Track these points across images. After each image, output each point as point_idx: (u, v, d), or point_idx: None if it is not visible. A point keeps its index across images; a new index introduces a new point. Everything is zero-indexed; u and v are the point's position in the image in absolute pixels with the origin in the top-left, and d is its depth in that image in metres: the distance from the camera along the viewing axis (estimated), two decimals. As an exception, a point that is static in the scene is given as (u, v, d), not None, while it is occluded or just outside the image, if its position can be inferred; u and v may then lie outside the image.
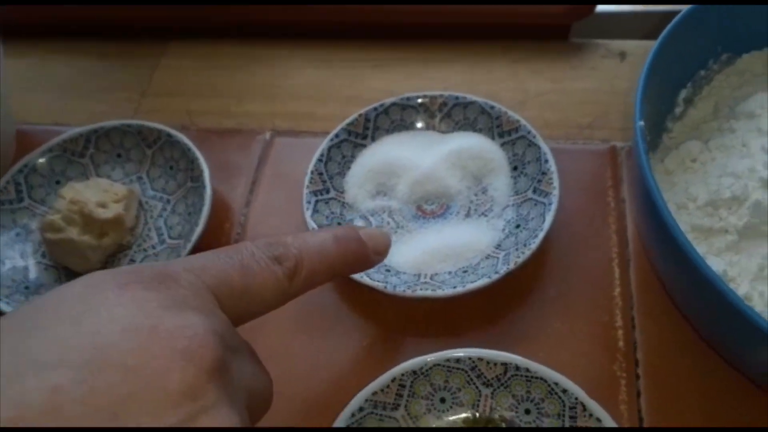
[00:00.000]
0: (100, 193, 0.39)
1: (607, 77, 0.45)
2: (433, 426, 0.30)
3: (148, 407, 0.16)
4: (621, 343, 0.33)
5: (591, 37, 0.48)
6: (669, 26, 0.31)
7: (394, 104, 0.41)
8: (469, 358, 0.31)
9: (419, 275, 0.35)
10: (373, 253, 0.28)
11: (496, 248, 0.36)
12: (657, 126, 0.35)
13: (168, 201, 0.41)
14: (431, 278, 0.35)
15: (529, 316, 0.35)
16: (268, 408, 0.23)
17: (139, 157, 0.43)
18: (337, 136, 0.40)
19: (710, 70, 0.36)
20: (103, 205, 0.38)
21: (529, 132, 0.38)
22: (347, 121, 0.40)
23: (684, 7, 0.33)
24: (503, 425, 0.30)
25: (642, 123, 0.28)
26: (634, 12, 0.47)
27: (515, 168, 0.39)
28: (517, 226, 0.36)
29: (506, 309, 0.35)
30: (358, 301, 0.36)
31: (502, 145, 0.39)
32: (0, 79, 0.41)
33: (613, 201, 0.38)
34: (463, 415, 0.31)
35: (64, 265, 0.38)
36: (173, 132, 0.41)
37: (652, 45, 0.45)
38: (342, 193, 0.39)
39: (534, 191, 0.37)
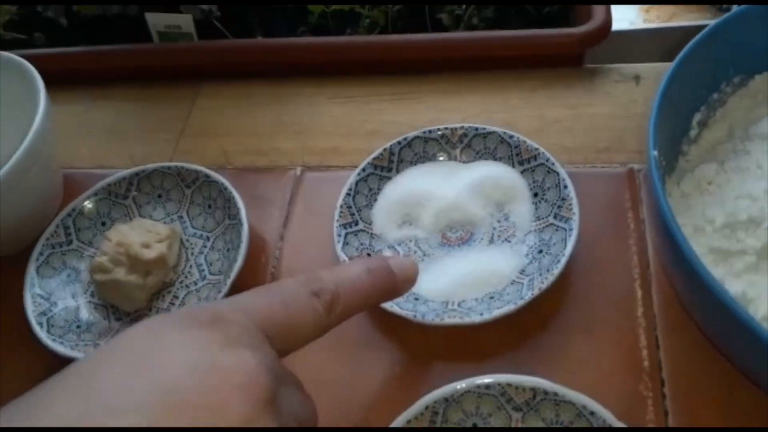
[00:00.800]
0: (144, 234, 0.41)
1: (622, 102, 0.46)
2: (466, 449, 0.32)
3: None
4: (646, 363, 0.34)
5: (605, 62, 0.49)
6: (681, 53, 0.33)
7: (416, 137, 0.43)
8: (499, 384, 0.32)
9: (447, 302, 0.37)
10: (402, 282, 0.30)
11: (521, 273, 0.37)
12: (673, 149, 0.36)
13: (208, 238, 0.44)
14: (458, 305, 0.36)
15: (554, 339, 0.36)
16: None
17: (178, 197, 0.45)
18: (363, 170, 0.42)
19: (723, 93, 0.37)
20: (147, 246, 0.41)
21: (548, 159, 0.40)
22: (373, 155, 0.42)
23: (696, 23, 0.34)
24: (534, 447, 0.31)
25: (656, 153, 0.29)
26: (647, 32, 0.48)
27: (536, 194, 0.40)
28: (540, 252, 0.37)
29: (531, 333, 0.36)
30: (389, 329, 0.38)
31: (522, 172, 0.41)
32: (48, 126, 0.44)
33: (633, 222, 0.40)
34: (495, 438, 0.32)
35: (111, 304, 0.41)
36: (210, 172, 0.44)
37: (665, 67, 0.47)
38: (370, 224, 0.41)
39: (555, 217, 0.38)
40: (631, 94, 0.46)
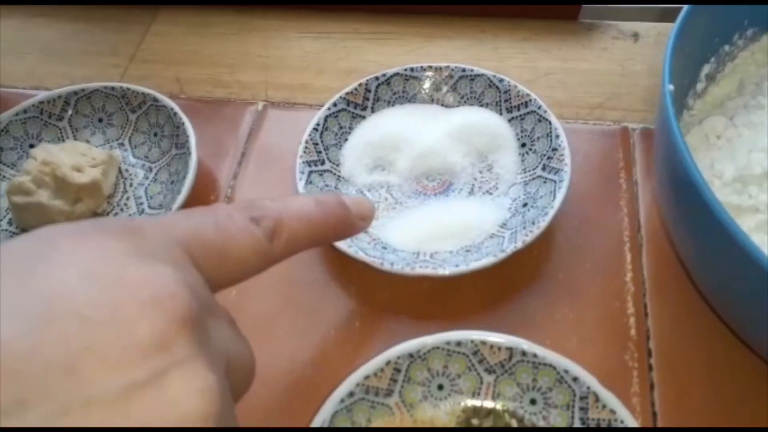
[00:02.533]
0: (76, 157, 0.36)
1: (619, 58, 0.43)
2: (429, 414, 0.28)
3: (110, 360, 0.14)
4: (633, 332, 0.31)
5: (601, 19, 0.45)
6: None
7: (396, 74, 0.38)
8: (471, 342, 0.28)
9: (418, 253, 0.33)
10: (357, 219, 0.25)
11: (502, 227, 0.33)
12: (677, 102, 0.32)
13: (150, 169, 0.38)
14: (431, 256, 0.32)
15: (536, 300, 0.32)
16: (249, 384, 0.20)
17: (121, 122, 0.40)
18: (334, 105, 0.37)
19: (735, 46, 0.34)
20: (78, 169, 0.35)
21: (540, 107, 0.36)
22: (346, 90, 0.38)
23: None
24: (506, 416, 0.28)
25: (672, 86, 0.25)
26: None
27: (523, 145, 0.36)
28: (525, 205, 0.34)
29: (511, 292, 0.32)
30: (350, 278, 0.33)
31: (510, 120, 0.37)
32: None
33: (626, 183, 0.36)
34: (462, 403, 0.28)
35: (33, 233, 0.36)
36: (159, 96, 0.38)
37: (667, 27, 0.44)
38: (338, 165, 0.37)
39: (543, 168, 0.34)
40: (629, 52, 0.43)
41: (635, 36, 0.44)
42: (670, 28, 0.27)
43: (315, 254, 0.34)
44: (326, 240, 0.25)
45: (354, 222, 0.25)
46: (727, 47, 0.34)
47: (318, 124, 0.37)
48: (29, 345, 0.13)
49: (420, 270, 0.30)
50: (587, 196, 0.36)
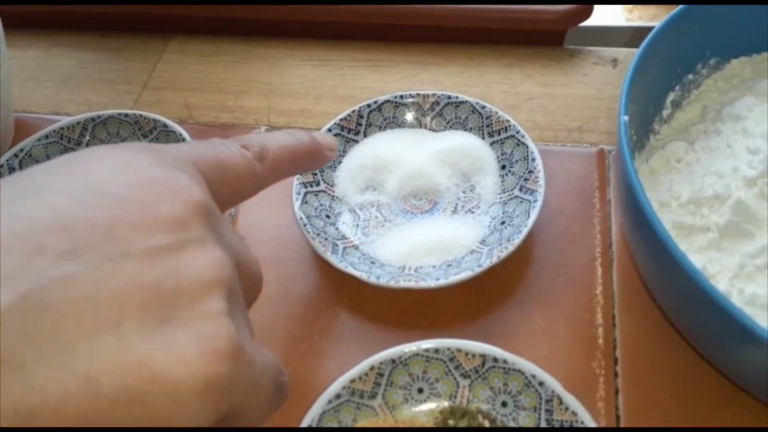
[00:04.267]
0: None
1: (598, 83, 0.45)
2: (409, 415, 0.30)
3: (140, 228, 0.17)
4: (601, 341, 0.33)
5: (586, 45, 0.48)
6: (657, 26, 0.32)
7: (387, 101, 0.41)
8: (448, 349, 0.31)
9: (404, 267, 0.35)
10: (326, 149, 0.31)
11: (481, 243, 0.36)
12: (644, 127, 0.35)
13: (160, 190, 0.42)
14: (415, 271, 0.35)
15: (511, 311, 0.35)
16: (258, 292, 0.23)
17: (134, 146, 0.43)
18: (330, 130, 0.40)
19: (699, 75, 0.36)
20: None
21: (518, 132, 0.39)
22: (340, 116, 0.41)
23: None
24: (479, 417, 0.30)
25: (626, 117, 0.28)
26: (628, 29, 0.48)
27: (503, 167, 0.39)
28: (503, 223, 0.36)
29: (489, 303, 0.35)
30: (340, 290, 0.36)
31: (492, 144, 0.40)
32: (1, 64, 0.42)
33: (599, 202, 0.39)
34: (440, 405, 0.31)
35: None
36: (169, 122, 0.42)
37: (644, 53, 0.46)
38: (332, 186, 0.40)
39: (520, 189, 0.37)
40: (607, 77, 0.46)
41: (614, 62, 0.46)
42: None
43: (308, 269, 0.37)
44: (303, 166, 0.30)
45: (324, 151, 0.30)
46: (690, 76, 0.36)
47: (314, 148, 0.40)
48: (79, 212, 0.17)
49: (404, 283, 0.33)
50: (563, 214, 0.38)
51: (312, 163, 0.31)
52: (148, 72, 0.51)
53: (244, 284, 0.21)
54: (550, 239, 0.37)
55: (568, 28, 0.45)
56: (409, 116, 0.42)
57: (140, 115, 0.43)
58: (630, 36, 0.52)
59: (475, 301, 0.35)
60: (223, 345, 0.17)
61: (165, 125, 0.42)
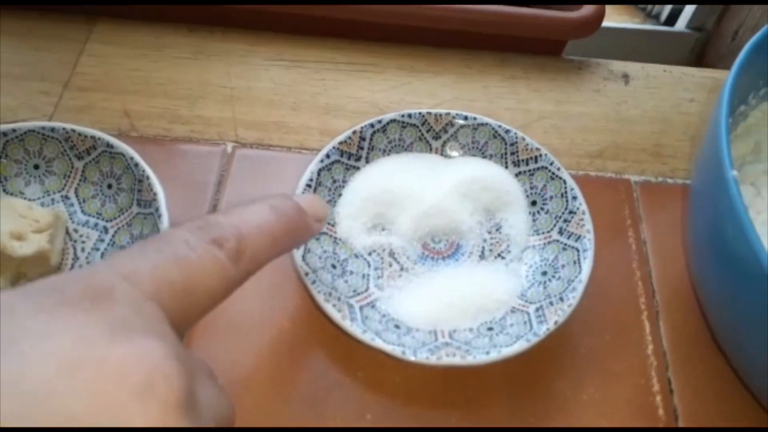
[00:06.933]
0: (14, 219, 0.29)
1: (613, 102, 0.41)
2: None
3: None
4: (661, 412, 0.30)
5: (585, 56, 0.44)
6: (741, 56, 0.28)
7: (393, 121, 0.34)
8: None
9: (435, 332, 0.29)
10: (313, 221, 0.25)
11: (521, 299, 0.31)
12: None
13: (105, 229, 0.32)
14: (450, 336, 0.29)
15: (561, 379, 0.30)
16: (231, 426, 0.19)
17: (64, 170, 0.33)
18: (327, 156, 0.33)
19: (749, 106, 0.33)
20: (19, 237, 0.29)
21: (552, 163, 0.33)
22: (339, 139, 0.34)
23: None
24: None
25: (735, 173, 0.23)
26: (635, 30, 0.44)
27: (534, 203, 0.34)
28: (544, 273, 0.31)
29: (535, 372, 0.30)
30: (354, 361, 0.30)
31: (518, 175, 0.34)
32: None
33: (635, 243, 0.35)
34: None
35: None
36: (114, 141, 0.32)
37: (655, 68, 0.43)
38: (333, 226, 0.32)
39: (560, 233, 0.32)
40: (622, 95, 0.41)
41: (626, 77, 0.43)
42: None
43: (310, 331, 0.30)
44: (287, 249, 0.24)
45: (311, 225, 0.24)
46: (742, 107, 0.33)
47: (311, 180, 0.32)
48: None
49: (447, 359, 0.27)
50: (598, 257, 0.34)
51: (296, 243, 0.26)
52: (70, 66, 0.40)
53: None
54: (590, 289, 0.33)
55: (583, 37, 0.41)
56: (418, 139, 0.35)
57: (71, 130, 0.33)
58: (635, 43, 0.48)
59: (516, 370, 0.30)
60: None
61: (109, 144, 0.32)
